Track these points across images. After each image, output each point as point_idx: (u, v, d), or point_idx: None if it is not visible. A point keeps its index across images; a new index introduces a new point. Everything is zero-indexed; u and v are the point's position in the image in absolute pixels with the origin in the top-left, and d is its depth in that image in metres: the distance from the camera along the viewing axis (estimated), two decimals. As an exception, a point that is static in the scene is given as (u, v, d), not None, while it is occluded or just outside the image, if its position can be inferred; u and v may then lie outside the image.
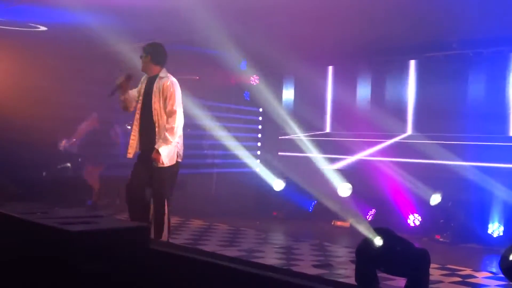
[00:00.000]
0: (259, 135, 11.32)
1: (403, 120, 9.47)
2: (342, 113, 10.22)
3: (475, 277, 6.27)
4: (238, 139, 10.56)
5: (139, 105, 6.14)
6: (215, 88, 10.88)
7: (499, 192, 7.93)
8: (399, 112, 9.52)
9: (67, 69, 10.74)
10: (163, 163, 5.90)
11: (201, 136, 10.73)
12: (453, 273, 6.30)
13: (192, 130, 10.33)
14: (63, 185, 10.54)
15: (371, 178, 9.18)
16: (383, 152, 9.49)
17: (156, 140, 5.94)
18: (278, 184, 10.51)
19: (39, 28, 9.96)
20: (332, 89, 10.56)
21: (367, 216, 9.26)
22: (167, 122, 5.93)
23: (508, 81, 8.45)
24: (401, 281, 4.42)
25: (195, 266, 3.44)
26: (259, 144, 11.26)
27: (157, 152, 5.86)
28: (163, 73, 6.08)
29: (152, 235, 5.70)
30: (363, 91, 10.06)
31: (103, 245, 3.29)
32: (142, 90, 6.15)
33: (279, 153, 10.92)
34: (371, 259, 4.23)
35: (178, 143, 6.03)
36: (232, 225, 9.02)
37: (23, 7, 8.79)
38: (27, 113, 10.03)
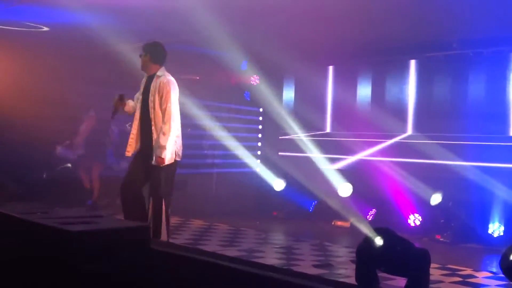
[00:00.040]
0: (260, 135, 11.32)
1: (404, 120, 9.47)
2: (343, 113, 10.22)
3: (476, 277, 6.27)
4: (238, 139, 10.55)
5: (138, 105, 6.17)
6: (215, 88, 10.87)
7: (500, 192, 7.93)
8: (399, 112, 9.51)
9: (67, 69, 10.74)
10: (162, 162, 5.92)
11: (201, 136, 10.73)
12: (453, 273, 6.30)
13: (192, 130, 10.33)
14: (63, 185, 10.54)
15: (372, 178, 9.18)
16: (384, 152, 9.49)
17: (153, 138, 5.96)
18: (278, 184, 10.52)
19: (39, 28, 9.96)
20: (332, 89, 10.56)
21: (368, 216, 9.26)
22: (162, 121, 5.95)
23: (508, 81, 8.44)
24: (402, 281, 4.42)
25: (196, 266, 3.44)
26: (259, 144, 11.25)
27: (160, 158, 5.89)
28: (160, 71, 6.11)
29: (151, 235, 5.70)
30: (364, 91, 10.06)
31: (103, 245, 3.29)
32: (142, 89, 6.18)
33: (280, 153, 10.92)
34: (372, 259, 4.22)
35: (175, 142, 6.02)
36: (233, 225, 9.02)
37: (23, 7, 8.79)
38: (27, 113, 10.02)
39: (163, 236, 5.98)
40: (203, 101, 10.10)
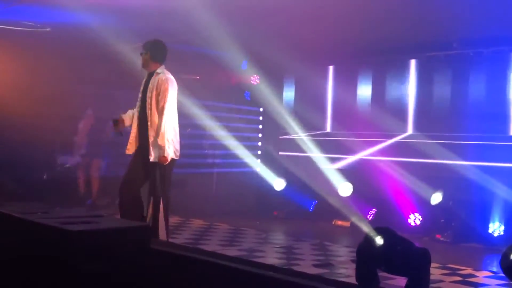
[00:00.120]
0: (260, 135, 11.32)
1: (404, 119, 9.47)
2: (343, 113, 10.22)
3: (476, 276, 6.27)
4: (238, 138, 10.56)
5: (138, 103, 6.17)
6: (215, 88, 10.87)
7: (500, 191, 7.93)
8: (400, 111, 9.51)
9: (67, 69, 10.73)
10: (165, 160, 5.92)
11: (201, 135, 10.73)
12: (453, 272, 6.29)
13: (192, 129, 10.33)
14: (63, 185, 10.54)
15: (372, 177, 9.18)
16: (384, 152, 9.49)
17: (149, 135, 5.96)
18: (278, 184, 10.52)
19: (39, 28, 9.96)
20: (332, 88, 10.55)
21: (368, 216, 9.26)
22: (159, 119, 5.96)
23: (508, 81, 8.44)
24: (402, 281, 4.42)
25: (196, 265, 3.44)
26: (259, 143, 11.25)
27: (163, 157, 5.90)
28: (160, 69, 6.12)
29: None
30: (364, 90, 10.06)
31: (103, 244, 3.29)
32: (141, 88, 6.18)
33: (280, 153, 10.92)
34: (372, 259, 4.22)
35: (172, 140, 6.01)
36: (233, 224, 9.02)
37: (23, 7, 8.79)
38: (27, 113, 10.02)
39: (163, 236, 5.98)
40: (203, 101, 10.11)
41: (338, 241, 8.24)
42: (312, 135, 10.49)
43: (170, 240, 6.18)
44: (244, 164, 10.59)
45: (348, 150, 9.85)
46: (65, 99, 10.52)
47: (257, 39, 8.93)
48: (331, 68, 10.55)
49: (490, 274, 6.37)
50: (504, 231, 8.01)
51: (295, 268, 6.05)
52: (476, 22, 7.53)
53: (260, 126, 11.34)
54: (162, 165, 5.97)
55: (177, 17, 8.09)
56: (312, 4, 7.65)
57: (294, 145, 10.56)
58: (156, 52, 6.17)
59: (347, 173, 9.87)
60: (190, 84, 9.93)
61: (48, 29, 9.86)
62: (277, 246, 7.66)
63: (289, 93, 11.21)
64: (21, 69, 10.49)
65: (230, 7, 7.81)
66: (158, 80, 6.03)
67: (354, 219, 9.02)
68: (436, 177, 8.69)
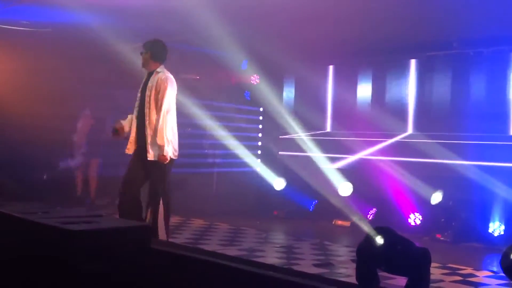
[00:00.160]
0: (260, 135, 11.32)
1: (404, 119, 9.46)
2: (343, 112, 10.22)
3: (476, 276, 6.27)
4: (238, 138, 10.56)
5: (137, 102, 6.17)
6: (215, 88, 10.87)
7: (500, 191, 7.93)
8: (400, 111, 9.51)
9: (67, 69, 10.73)
10: (165, 159, 5.92)
11: (201, 135, 10.73)
12: (454, 272, 6.30)
13: (192, 129, 10.33)
14: (63, 185, 10.54)
15: (372, 177, 9.18)
16: (384, 151, 9.49)
17: (146, 133, 5.96)
18: (278, 184, 10.52)
19: (39, 28, 9.96)
20: (332, 88, 10.55)
21: (368, 215, 9.25)
22: (157, 117, 5.96)
23: (508, 80, 8.44)
24: (402, 280, 4.42)
25: (196, 265, 3.44)
26: (259, 143, 11.26)
27: (162, 155, 5.90)
28: (160, 68, 6.12)
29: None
30: (364, 90, 10.06)
31: (104, 244, 3.29)
32: (141, 87, 6.18)
33: (280, 153, 10.92)
34: (372, 258, 4.21)
35: (171, 140, 6.00)
36: (233, 224, 9.02)
37: (23, 7, 8.80)
38: (28, 113, 10.02)
39: (163, 236, 5.98)
40: (203, 100, 10.11)
41: (338, 240, 8.24)
42: (312, 135, 10.49)
43: (170, 240, 6.17)
44: (244, 164, 10.60)
45: (348, 149, 9.85)
46: (65, 99, 10.52)
47: (257, 39, 8.93)
48: (331, 68, 10.55)
49: (490, 273, 6.37)
50: (504, 230, 8.01)
51: (295, 267, 6.05)
52: (476, 22, 7.53)
53: (260, 126, 11.34)
54: (162, 165, 5.97)
55: (177, 17, 8.10)
56: (312, 4, 7.65)
57: (294, 145, 10.56)
58: (157, 52, 6.17)
59: (347, 172, 9.87)
60: (190, 84, 9.94)
61: (48, 29, 9.87)
62: (277, 246, 7.66)
63: (289, 93, 11.21)
64: (21, 69, 10.50)
65: (230, 7, 7.82)
66: (158, 79, 6.04)
67: (354, 218, 9.01)
68: (436, 176, 8.69)
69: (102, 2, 8.07)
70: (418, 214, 8.72)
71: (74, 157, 10.50)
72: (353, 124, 9.79)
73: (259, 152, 11.16)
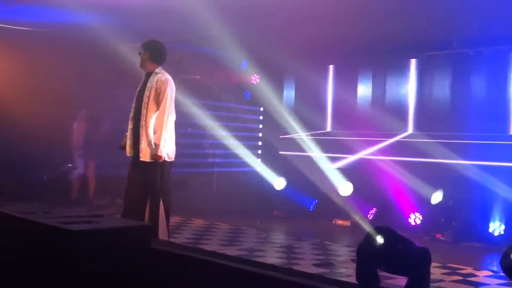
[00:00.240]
0: (260, 134, 11.32)
1: (404, 119, 9.46)
2: (343, 112, 10.22)
3: (476, 275, 6.27)
4: (238, 138, 10.56)
5: (133, 104, 6.16)
6: (215, 88, 10.88)
7: (500, 190, 7.92)
8: (400, 111, 9.51)
9: (67, 69, 10.74)
10: (159, 158, 5.92)
11: (202, 135, 10.73)
12: (454, 271, 6.29)
13: (193, 129, 10.34)
14: (63, 185, 10.54)
15: (372, 177, 9.18)
16: (384, 151, 9.49)
17: (141, 133, 5.95)
18: (278, 183, 10.52)
19: (39, 27, 9.97)
20: (333, 88, 10.55)
21: (368, 215, 9.25)
22: (157, 118, 5.94)
23: (508, 80, 8.44)
24: (402, 280, 4.42)
25: (196, 265, 3.43)
26: (259, 143, 11.26)
27: (156, 155, 5.90)
28: (158, 69, 6.11)
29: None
30: (364, 90, 10.06)
31: (104, 244, 3.29)
32: (139, 87, 6.17)
33: (280, 152, 10.92)
34: (372, 258, 4.21)
35: (166, 140, 5.99)
36: (233, 224, 9.02)
37: (23, 7, 8.80)
38: (28, 113, 10.03)
39: (163, 236, 5.97)
40: (203, 100, 10.11)
41: (338, 240, 8.24)
42: (312, 135, 10.49)
43: (171, 240, 6.17)
44: (244, 164, 10.60)
45: (348, 149, 9.85)
46: (65, 99, 10.52)
47: (258, 39, 8.93)
48: (331, 67, 10.55)
49: (491, 273, 6.37)
50: (505, 230, 8.00)
51: (296, 267, 6.06)
52: (476, 21, 7.53)
53: (261, 126, 11.34)
54: (157, 165, 5.95)
55: (177, 16, 8.10)
56: (312, 4, 7.66)
57: (294, 145, 10.55)
58: (156, 53, 6.15)
59: (348, 172, 9.86)
60: (190, 84, 9.94)
61: (48, 29, 9.87)
62: (278, 246, 7.66)
63: (289, 93, 11.20)
64: (21, 69, 10.50)
65: (230, 7, 7.82)
66: (158, 81, 6.02)
67: (355, 218, 9.01)
68: (436, 176, 8.69)
69: (102, 2, 8.07)
70: (418, 213, 8.72)
71: (75, 160, 10.49)
72: (353, 124, 9.79)
73: (259, 151, 11.16)
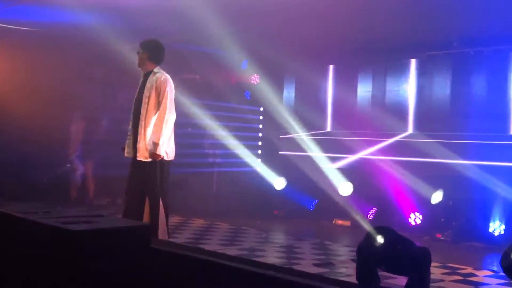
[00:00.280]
0: (260, 134, 11.32)
1: (404, 119, 9.47)
2: (343, 112, 10.22)
3: (476, 275, 6.27)
4: (239, 138, 10.56)
5: (133, 103, 6.16)
6: (215, 88, 10.88)
7: (500, 190, 7.93)
8: (400, 111, 9.51)
9: (67, 69, 10.75)
10: (157, 157, 5.91)
11: (202, 135, 10.74)
12: (454, 271, 6.30)
13: (193, 129, 10.34)
14: (63, 185, 10.54)
15: (372, 177, 9.18)
16: (384, 151, 9.49)
17: (139, 132, 5.94)
18: (279, 183, 10.52)
19: (38, 27, 9.97)
20: (333, 88, 10.55)
21: (368, 215, 9.25)
22: (157, 117, 5.94)
23: (509, 80, 8.44)
24: (402, 280, 4.42)
25: (196, 265, 3.44)
26: (260, 143, 11.26)
27: (155, 154, 5.89)
28: (157, 69, 6.10)
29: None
30: (364, 89, 10.06)
31: (104, 244, 3.29)
32: (138, 87, 6.17)
33: (280, 152, 10.92)
34: (372, 258, 4.22)
35: (166, 140, 5.99)
36: (233, 224, 9.02)
37: (23, 7, 8.80)
38: (28, 113, 10.02)
39: (163, 235, 5.97)
40: (203, 100, 10.11)
41: (339, 240, 8.24)
42: (312, 135, 10.49)
43: (171, 239, 6.17)
44: (244, 164, 10.60)
45: (348, 149, 9.85)
46: (65, 99, 10.52)
47: (257, 39, 8.93)
48: (331, 67, 10.55)
49: (491, 273, 6.37)
50: (505, 230, 8.00)
51: (296, 267, 6.06)
52: (476, 21, 7.53)
53: (261, 126, 11.34)
54: (155, 164, 5.95)
55: (177, 16, 8.10)
56: (312, 4, 7.65)
57: (294, 145, 10.55)
58: (154, 52, 6.15)
59: (348, 172, 9.86)
60: (190, 84, 9.94)
61: (48, 29, 9.87)
62: (278, 246, 7.66)
63: (289, 92, 11.20)
64: (21, 69, 10.50)
65: (230, 7, 7.82)
66: (158, 80, 6.01)
67: (355, 218, 9.01)
68: (436, 176, 8.68)
69: (102, 2, 8.07)
70: (418, 213, 8.72)
71: (70, 161, 10.48)
72: (353, 124, 9.79)
73: (259, 151, 11.16)
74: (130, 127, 6.16)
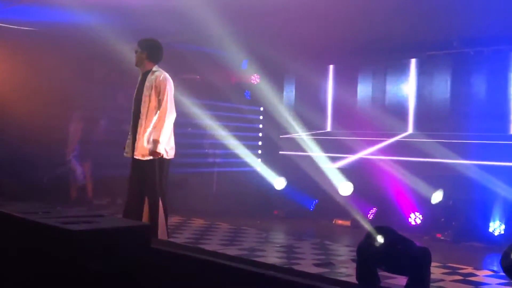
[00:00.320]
0: (260, 134, 11.32)
1: (404, 118, 9.47)
2: (343, 112, 10.22)
3: (476, 275, 6.27)
4: (239, 138, 10.56)
5: (132, 104, 6.15)
6: (215, 87, 10.88)
7: (500, 190, 7.93)
8: (400, 110, 9.51)
9: (67, 69, 10.74)
10: (157, 155, 5.91)
11: (202, 135, 10.74)
12: (454, 271, 6.30)
13: (193, 129, 10.34)
14: (63, 185, 10.54)
15: (372, 176, 9.18)
16: (384, 151, 9.49)
17: (139, 132, 5.94)
18: (279, 183, 10.52)
19: (38, 28, 9.97)
20: (333, 87, 10.55)
21: (368, 215, 9.25)
22: (157, 116, 5.93)
23: (509, 80, 8.44)
24: (402, 280, 4.42)
25: (196, 265, 3.44)
26: (260, 143, 11.26)
27: (155, 152, 5.89)
28: (155, 68, 6.10)
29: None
30: (364, 89, 10.06)
31: (104, 244, 3.29)
32: (137, 87, 6.16)
33: (280, 152, 10.92)
34: (372, 258, 4.22)
35: (165, 139, 5.98)
36: (233, 224, 9.02)
37: (23, 7, 8.80)
38: (28, 112, 10.02)
39: (163, 235, 5.97)
40: (203, 100, 10.11)
41: (339, 240, 8.24)
42: (312, 134, 10.49)
43: (171, 239, 6.17)
44: (244, 164, 10.60)
45: (348, 149, 9.85)
46: (65, 98, 10.52)
47: (258, 38, 8.94)
48: (331, 67, 10.55)
49: (491, 273, 6.37)
50: (505, 230, 8.00)
51: (296, 267, 6.06)
52: (476, 21, 7.53)
53: (261, 126, 11.34)
54: (154, 163, 5.95)
55: (177, 16, 8.10)
56: (312, 4, 7.65)
57: (294, 145, 10.55)
58: (153, 51, 6.14)
59: (348, 172, 9.86)
60: (190, 83, 9.94)
61: (48, 29, 9.87)
62: (278, 245, 7.66)
63: (289, 92, 11.21)
64: (21, 69, 10.50)
65: (230, 7, 7.82)
66: (157, 79, 6.01)
67: (355, 218, 9.01)
68: (436, 176, 8.68)
69: (102, 2, 8.07)
70: (418, 213, 8.72)
71: (69, 161, 10.47)
72: (353, 124, 9.79)
73: (260, 151, 11.16)
74: (130, 126, 6.16)
